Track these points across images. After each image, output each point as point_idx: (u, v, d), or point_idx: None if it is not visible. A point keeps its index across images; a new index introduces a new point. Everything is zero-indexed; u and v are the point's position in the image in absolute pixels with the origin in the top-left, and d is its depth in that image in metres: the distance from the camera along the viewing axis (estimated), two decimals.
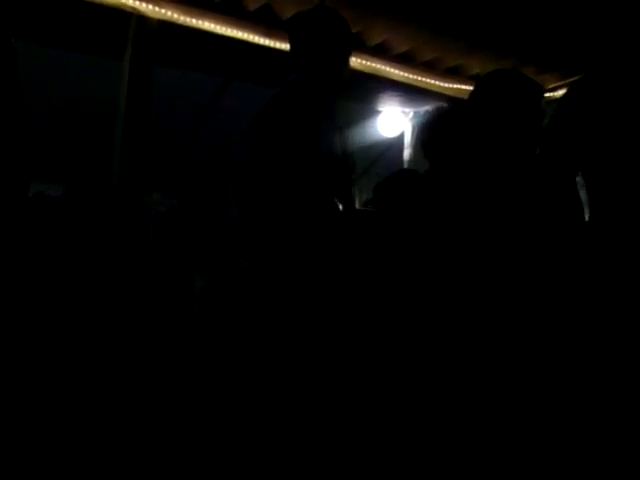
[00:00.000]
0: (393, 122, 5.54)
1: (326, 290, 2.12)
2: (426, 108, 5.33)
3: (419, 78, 4.69)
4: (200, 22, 3.83)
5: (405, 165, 5.41)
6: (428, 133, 2.56)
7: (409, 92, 4.90)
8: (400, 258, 2.37)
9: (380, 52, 4.42)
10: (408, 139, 5.55)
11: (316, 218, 2.15)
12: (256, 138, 2.14)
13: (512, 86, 2.11)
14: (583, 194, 1.89)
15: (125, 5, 3.61)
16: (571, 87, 1.90)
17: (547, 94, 4.81)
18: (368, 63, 4.42)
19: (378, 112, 5.54)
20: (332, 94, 2.29)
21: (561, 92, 4.71)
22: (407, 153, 5.52)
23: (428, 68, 4.67)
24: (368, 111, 5.54)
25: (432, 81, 4.74)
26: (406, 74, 4.61)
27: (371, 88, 4.89)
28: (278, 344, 2.06)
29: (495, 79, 2.18)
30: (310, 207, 2.13)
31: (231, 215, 4.06)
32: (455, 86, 4.77)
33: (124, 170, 3.71)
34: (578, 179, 1.88)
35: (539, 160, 1.92)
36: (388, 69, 4.52)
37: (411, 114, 5.51)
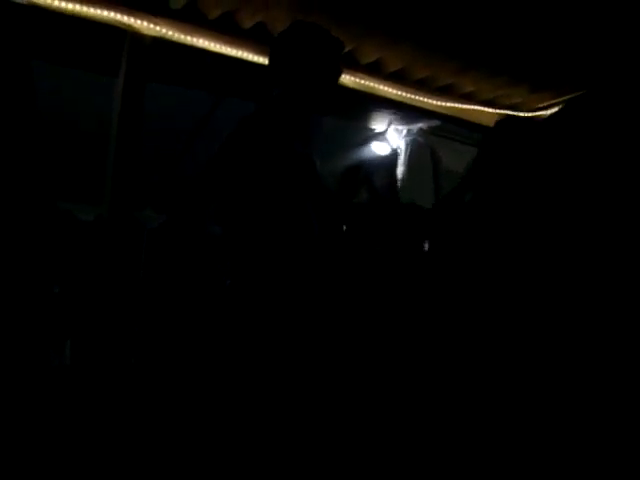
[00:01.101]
0: (386, 140, 5.56)
1: (311, 304, 2.11)
2: (419, 126, 5.37)
3: (412, 96, 4.71)
4: (195, 39, 3.84)
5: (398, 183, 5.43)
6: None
7: (402, 110, 4.92)
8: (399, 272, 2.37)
9: (373, 70, 4.44)
10: (401, 157, 5.57)
11: (291, 239, 2.11)
12: (226, 160, 2.11)
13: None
14: None
15: (120, 22, 3.63)
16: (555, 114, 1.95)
17: (539, 112, 4.86)
18: (361, 81, 4.44)
19: (371, 130, 5.56)
20: (314, 112, 2.24)
21: (551, 111, 4.75)
22: (400, 171, 5.54)
23: (421, 86, 4.68)
24: (361, 129, 5.56)
25: (425, 99, 4.76)
26: (399, 92, 4.63)
27: (364, 106, 4.91)
28: (261, 363, 2.05)
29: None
30: (285, 228, 2.10)
31: (212, 230, 4.07)
32: (448, 104, 4.80)
33: (117, 186, 3.70)
34: None
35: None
36: (381, 87, 4.54)
37: (404, 132, 5.54)
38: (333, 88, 2.25)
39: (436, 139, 5.58)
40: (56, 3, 3.44)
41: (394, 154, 5.56)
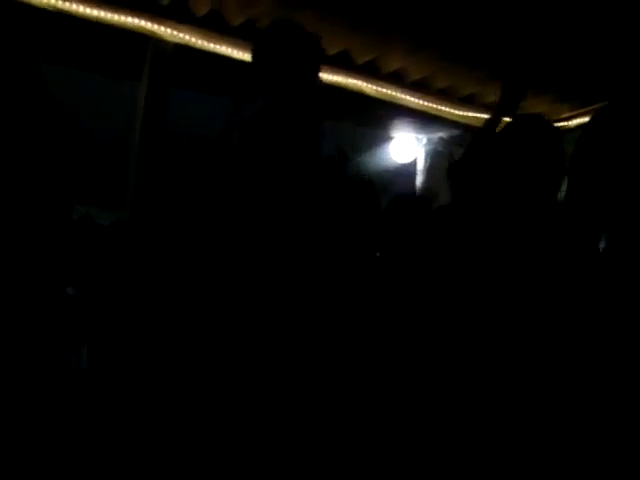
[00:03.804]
0: (406, 148, 5.54)
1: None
2: (440, 135, 5.34)
3: (434, 105, 4.68)
4: (217, 46, 3.85)
5: (417, 191, 5.41)
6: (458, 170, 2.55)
7: (423, 119, 4.90)
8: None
9: (395, 79, 4.43)
10: (421, 165, 5.55)
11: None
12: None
13: (534, 134, 2.07)
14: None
15: (144, 29, 3.65)
16: (592, 120, 1.87)
17: (561, 123, 4.81)
18: (383, 90, 4.43)
19: (391, 138, 5.55)
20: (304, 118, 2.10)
21: (575, 121, 4.70)
22: (419, 179, 5.52)
23: (443, 96, 4.66)
24: (381, 137, 5.55)
25: (446, 109, 4.73)
26: (421, 101, 4.61)
27: (385, 114, 4.90)
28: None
29: (519, 127, 2.14)
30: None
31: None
32: (469, 114, 4.77)
33: (138, 191, 3.72)
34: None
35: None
36: (403, 96, 4.53)
37: (424, 140, 5.51)
38: (311, 89, 2.15)
39: (456, 148, 5.55)
40: (81, 10, 3.46)
41: (413, 162, 5.58)
